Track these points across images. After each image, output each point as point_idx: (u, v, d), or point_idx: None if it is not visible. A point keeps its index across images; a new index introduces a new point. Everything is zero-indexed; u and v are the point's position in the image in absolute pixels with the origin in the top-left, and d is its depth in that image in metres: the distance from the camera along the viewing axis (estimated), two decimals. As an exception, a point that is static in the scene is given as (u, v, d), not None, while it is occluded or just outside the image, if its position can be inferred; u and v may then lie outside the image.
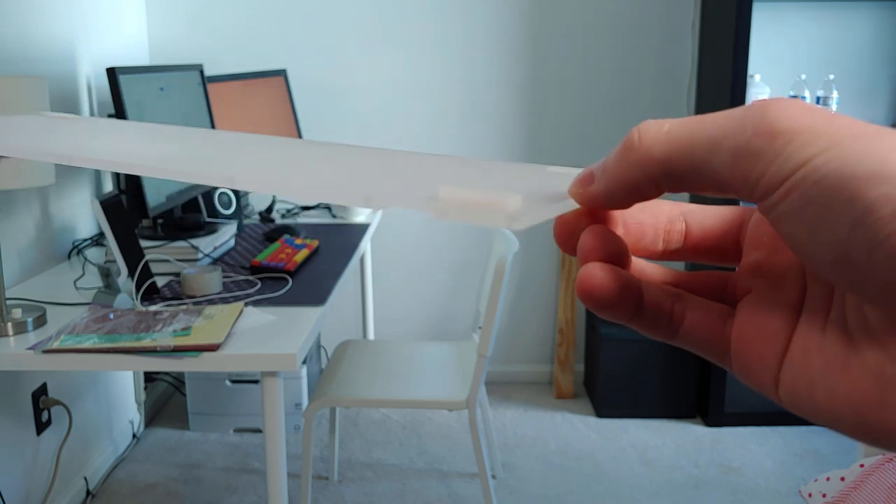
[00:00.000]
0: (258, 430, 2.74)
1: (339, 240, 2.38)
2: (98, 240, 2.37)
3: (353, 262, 2.17)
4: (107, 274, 1.77)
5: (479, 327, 2.09)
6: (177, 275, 1.94)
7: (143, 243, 1.97)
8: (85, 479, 2.33)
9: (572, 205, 0.28)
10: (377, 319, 3.10)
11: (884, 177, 0.21)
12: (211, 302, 1.77)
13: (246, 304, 1.74)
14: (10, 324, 1.58)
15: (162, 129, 0.45)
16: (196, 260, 2.03)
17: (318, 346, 3.01)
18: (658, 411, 2.86)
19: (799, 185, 0.22)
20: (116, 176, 2.44)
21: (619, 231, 0.30)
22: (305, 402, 2.69)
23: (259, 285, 1.89)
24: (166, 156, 0.36)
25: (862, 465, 1.34)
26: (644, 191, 0.26)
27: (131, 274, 1.75)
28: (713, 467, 2.55)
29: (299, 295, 1.82)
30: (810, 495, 1.42)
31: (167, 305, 1.75)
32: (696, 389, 2.83)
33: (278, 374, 1.52)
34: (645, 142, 0.25)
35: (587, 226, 0.29)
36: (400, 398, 2.09)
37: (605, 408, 2.87)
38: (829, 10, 2.85)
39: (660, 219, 0.30)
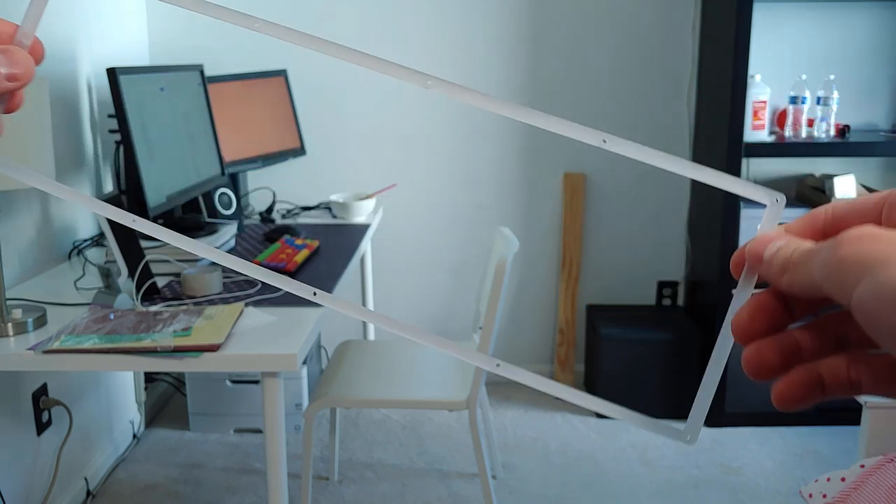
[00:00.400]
0: (258, 431, 2.74)
1: (340, 240, 2.38)
2: (98, 240, 2.37)
3: (353, 263, 2.17)
4: (107, 274, 1.77)
5: (480, 327, 2.09)
6: (177, 275, 1.94)
7: (144, 243, 1.97)
8: (85, 479, 2.33)
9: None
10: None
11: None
12: (211, 302, 1.77)
13: (246, 305, 1.74)
14: (10, 324, 1.58)
15: None
16: (196, 260, 2.03)
17: (318, 346, 3.01)
18: (658, 411, 2.86)
19: (854, 309, 0.31)
20: (116, 176, 2.44)
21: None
22: (306, 402, 2.69)
23: (259, 286, 1.89)
24: None
25: (862, 466, 1.34)
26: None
27: (131, 274, 1.75)
28: (713, 467, 2.55)
29: (300, 295, 1.81)
30: (811, 496, 1.42)
31: (167, 306, 1.75)
32: (696, 389, 2.82)
33: (279, 374, 1.52)
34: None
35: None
36: (400, 398, 2.09)
37: (606, 408, 2.87)
38: (829, 10, 2.85)
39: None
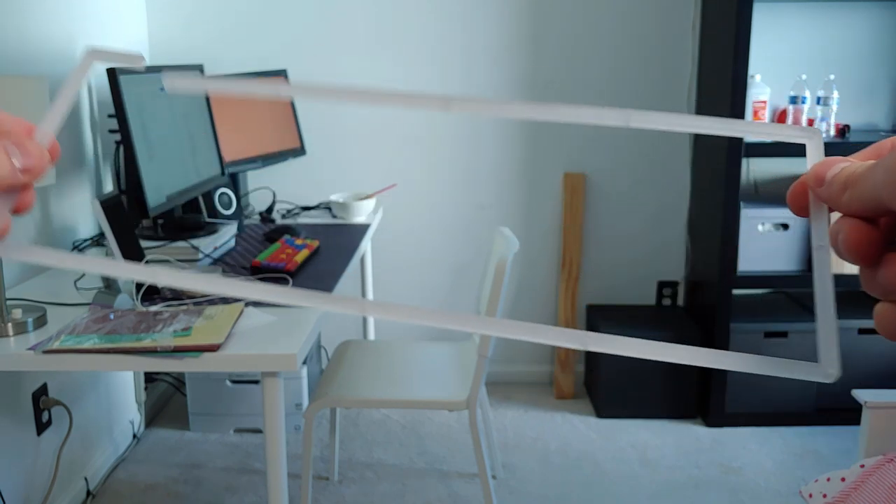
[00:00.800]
0: (258, 431, 2.74)
1: (340, 240, 2.38)
2: (98, 240, 2.37)
3: (353, 262, 2.17)
4: (107, 274, 1.77)
5: (480, 327, 2.08)
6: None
7: (144, 243, 1.97)
8: (85, 479, 2.33)
9: None
10: (377, 320, 3.09)
11: None
12: (211, 302, 1.77)
13: (246, 305, 1.74)
14: (10, 324, 1.58)
15: None
16: (196, 260, 2.03)
17: (318, 346, 3.01)
18: (658, 412, 2.86)
19: None
20: (116, 176, 2.44)
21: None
22: (306, 402, 2.69)
23: (259, 285, 1.88)
24: None
25: (862, 466, 1.35)
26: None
27: (131, 274, 1.75)
28: (713, 467, 2.55)
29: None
30: (811, 496, 1.42)
31: (167, 306, 1.75)
32: (696, 390, 2.83)
33: (279, 374, 1.52)
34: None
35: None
36: (400, 398, 2.09)
37: (606, 408, 2.87)
38: (829, 10, 2.85)
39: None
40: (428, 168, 3.03)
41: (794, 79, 2.77)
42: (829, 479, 1.41)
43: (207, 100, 2.38)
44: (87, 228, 2.41)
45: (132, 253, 1.78)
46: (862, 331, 2.73)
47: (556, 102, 0.39)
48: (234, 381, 2.70)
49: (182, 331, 1.54)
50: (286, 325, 1.63)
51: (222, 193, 2.46)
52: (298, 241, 2.18)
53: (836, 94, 2.74)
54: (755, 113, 2.69)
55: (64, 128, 2.26)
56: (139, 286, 1.77)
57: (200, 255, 2.04)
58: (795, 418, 2.80)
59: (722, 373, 2.74)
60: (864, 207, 0.34)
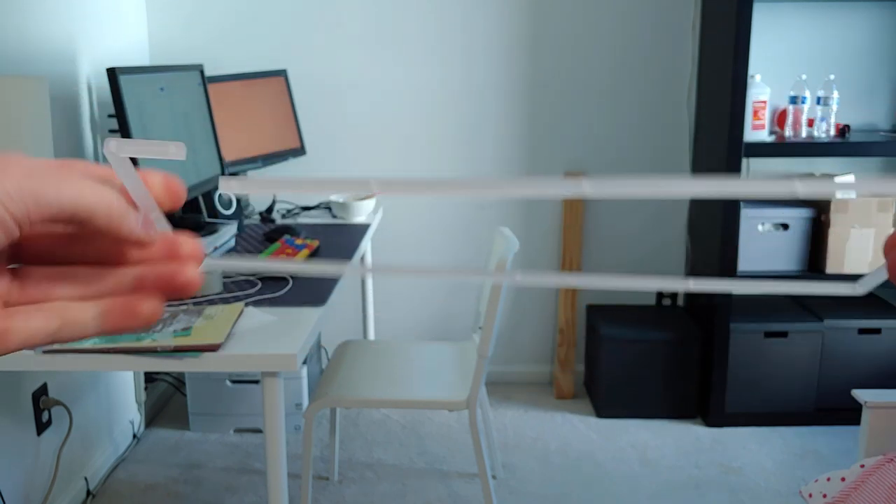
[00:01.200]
0: (258, 431, 2.74)
1: (340, 240, 2.38)
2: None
3: (354, 263, 2.17)
4: (107, 274, 1.77)
5: (480, 328, 2.09)
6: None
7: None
8: (85, 479, 2.33)
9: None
10: (377, 320, 3.10)
11: None
12: (211, 302, 1.77)
13: (246, 305, 1.74)
14: (10, 324, 1.58)
15: None
16: (196, 260, 2.03)
17: (318, 346, 3.01)
18: (658, 412, 2.86)
19: None
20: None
21: None
22: (306, 402, 2.69)
23: (259, 285, 1.89)
24: None
25: (862, 466, 1.35)
26: None
27: (131, 274, 1.75)
28: (713, 467, 2.55)
29: (299, 295, 1.82)
30: (811, 496, 1.42)
31: (167, 306, 1.74)
32: (696, 390, 2.83)
33: (279, 374, 1.52)
34: None
35: None
36: (400, 398, 2.09)
37: (606, 408, 2.87)
38: (829, 10, 2.85)
39: None
40: (428, 168, 3.02)
41: (794, 79, 2.77)
42: (829, 479, 1.41)
43: (207, 100, 2.38)
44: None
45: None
46: (862, 331, 2.73)
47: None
48: (234, 381, 2.70)
49: (182, 331, 1.54)
50: (286, 325, 1.62)
51: (222, 193, 2.46)
52: (298, 241, 2.18)
53: (836, 94, 2.74)
54: (755, 113, 2.69)
55: (64, 128, 2.26)
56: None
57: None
58: (795, 418, 2.80)
59: (722, 372, 2.74)
60: None
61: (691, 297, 3.06)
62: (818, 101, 2.76)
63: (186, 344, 1.48)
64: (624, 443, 2.70)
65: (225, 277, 1.92)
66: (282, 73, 2.81)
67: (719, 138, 2.69)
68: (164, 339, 1.50)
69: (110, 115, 2.35)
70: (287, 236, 2.24)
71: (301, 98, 2.90)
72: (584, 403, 3.00)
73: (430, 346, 2.40)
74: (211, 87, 2.43)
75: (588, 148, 3.00)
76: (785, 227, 2.74)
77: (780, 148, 2.76)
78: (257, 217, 2.75)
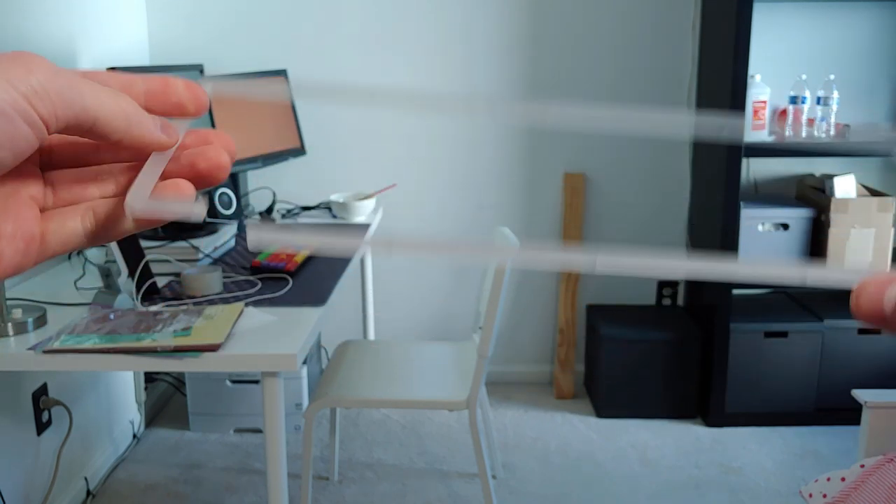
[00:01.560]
0: (258, 431, 2.74)
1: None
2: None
3: (354, 263, 2.17)
4: (107, 274, 1.77)
5: (480, 328, 2.09)
6: (177, 275, 1.94)
7: (144, 243, 1.97)
8: (85, 479, 2.33)
9: None
10: (377, 320, 3.10)
11: None
12: (211, 302, 1.77)
13: (246, 305, 1.74)
14: (10, 324, 1.58)
15: None
16: (196, 260, 2.03)
17: (318, 346, 3.01)
18: (658, 412, 2.86)
19: None
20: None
21: None
22: (306, 402, 2.69)
23: (259, 286, 1.89)
24: None
25: (862, 466, 1.35)
26: None
27: (132, 274, 1.75)
28: (713, 467, 2.55)
29: (300, 295, 1.82)
30: (811, 496, 1.42)
31: (167, 306, 1.75)
32: (696, 390, 2.83)
33: (279, 374, 1.52)
34: None
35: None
36: (400, 398, 2.09)
37: (606, 408, 2.87)
38: (829, 10, 2.85)
39: None
40: (428, 168, 3.03)
41: (794, 79, 2.77)
42: (829, 479, 1.41)
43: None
44: (87, 228, 2.41)
45: (132, 253, 1.78)
46: (862, 331, 2.73)
47: (535, 108, 0.38)
48: (234, 381, 2.70)
49: (182, 331, 1.54)
50: (286, 325, 1.63)
51: (222, 193, 2.46)
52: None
53: (836, 94, 2.74)
54: (755, 113, 2.69)
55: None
56: (139, 286, 1.77)
57: (200, 255, 2.04)
58: (795, 418, 2.80)
59: (722, 372, 2.74)
60: None
61: (691, 297, 3.06)
62: (818, 101, 2.76)
63: (186, 344, 1.48)
64: (624, 443, 2.70)
65: (225, 277, 1.92)
66: (282, 73, 2.81)
67: (719, 138, 2.69)
68: (164, 339, 1.50)
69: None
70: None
71: (301, 98, 2.90)
72: (584, 403, 3.00)
73: (430, 346, 2.40)
74: (211, 87, 2.42)
75: (588, 148, 3.00)
76: (785, 227, 2.74)
77: (780, 148, 2.76)
78: (257, 217, 2.75)
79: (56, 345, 1.50)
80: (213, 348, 1.48)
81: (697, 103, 2.93)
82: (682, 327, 2.86)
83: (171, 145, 0.36)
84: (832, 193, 2.68)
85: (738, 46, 2.53)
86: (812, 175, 2.90)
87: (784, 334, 2.73)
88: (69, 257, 2.25)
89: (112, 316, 1.64)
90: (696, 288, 3.01)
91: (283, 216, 2.78)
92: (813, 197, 2.80)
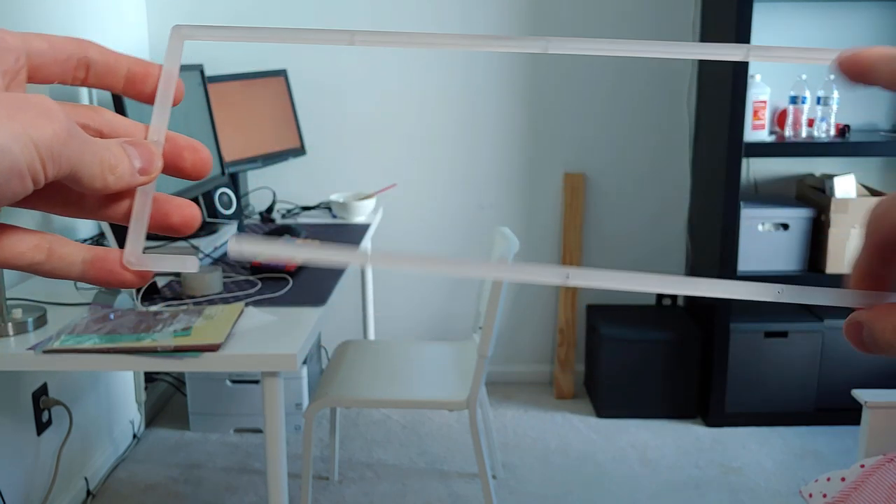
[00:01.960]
0: (259, 431, 2.74)
1: (340, 240, 2.38)
2: (98, 240, 2.37)
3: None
4: (107, 274, 1.77)
5: (480, 327, 2.09)
6: (177, 275, 1.94)
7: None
8: (85, 479, 2.33)
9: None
10: (377, 319, 3.10)
11: None
12: (211, 302, 1.77)
13: (246, 305, 1.74)
14: (10, 324, 1.58)
15: None
16: (196, 260, 2.03)
17: (318, 346, 3.01)
18: (658, 412, 2.86)
19: None
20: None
21: None
22: (306, 402, 2.69)
23: (259, 285, 1.89)
24: None
25: (862, 466, 1.35)
26: None
27: (131, 274, 1.75)
28: (713, 467, 2.55)
29: (300, 295, 1.82)
30: (811, 496, 1.42)
31: (167, 306, 1.75)
32: (696, 390, 2.83)
33: (279, 374, 1.52)
34: None
35: None
36: (400, 398, 2.09)
37: (606, 408, 2.87)
38: (829, 10, 2.85)
39: None
40: (428, 168, 3.03)
41: (794, 79, 2.77)
42: (829, 479, 1.41)
43: (208, 99, 2.38)
44: (86, 228, 2.41)
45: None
46: (862, 331, 2.72)
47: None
48: (234, 381, 2.70)
49: (182, 331, 1.54)
50: (286, 325, 1.63)
51: (222, 193, 2.46)
52: (299, 241, 2.18)
53: (836, 94, 2.74)
54: (755, 113, 2.69)
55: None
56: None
57: (200, 255, 2.04)
58: (795, 418, 2.80)
59: (722, 372, 2.74)
60: None
61: (691, 296, 3.06)
62: (818, 101, 2.76)
63: (186, 344, 1.48)
64: (624, 443, 2.70)
65: (225, 277, 1.92)
66: (282, 73, 2.81)
67: (719, 138, 2.69)
68: (164, 339, 1.50)
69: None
70: (287, 236, 2.24)
71: (301, 98, 2.90)
72: (584, 403, 3.00)
73: (430, 346, 2.40)
74: (211, 87, 2.43)
75: (588, 148, 3.00)
76: (785, 227, 2.74)
77: (780, 148, 2.76)
78: (257, 217, 2.75)
79: (56, 345, 1.50)
80: (213, 348, 1.48)
81: (697, 104, 2.93)
82: (682, 327, 2.86)
83: (152, 177, 0.36)
84: (832, 193, 2.68)
85: (738, 46, 2.53)
86: (812, 175, 2.90)
87: (784, 334, 2.73)
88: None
89: (112, 316, 1.64)
90: (696, 288, 3.00)
91: (284, 216, 2.78)
92: (813, 197, 2.80)
